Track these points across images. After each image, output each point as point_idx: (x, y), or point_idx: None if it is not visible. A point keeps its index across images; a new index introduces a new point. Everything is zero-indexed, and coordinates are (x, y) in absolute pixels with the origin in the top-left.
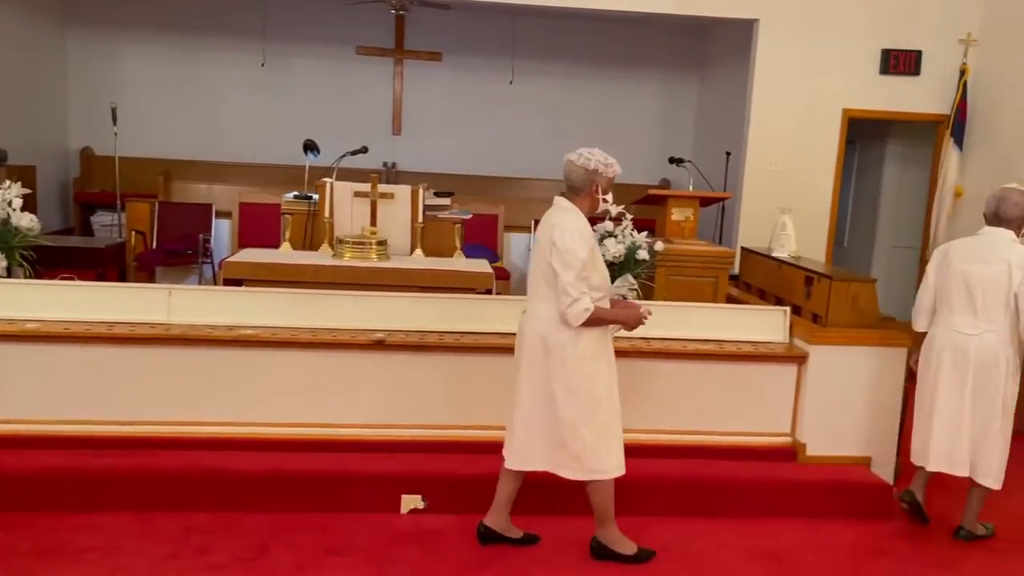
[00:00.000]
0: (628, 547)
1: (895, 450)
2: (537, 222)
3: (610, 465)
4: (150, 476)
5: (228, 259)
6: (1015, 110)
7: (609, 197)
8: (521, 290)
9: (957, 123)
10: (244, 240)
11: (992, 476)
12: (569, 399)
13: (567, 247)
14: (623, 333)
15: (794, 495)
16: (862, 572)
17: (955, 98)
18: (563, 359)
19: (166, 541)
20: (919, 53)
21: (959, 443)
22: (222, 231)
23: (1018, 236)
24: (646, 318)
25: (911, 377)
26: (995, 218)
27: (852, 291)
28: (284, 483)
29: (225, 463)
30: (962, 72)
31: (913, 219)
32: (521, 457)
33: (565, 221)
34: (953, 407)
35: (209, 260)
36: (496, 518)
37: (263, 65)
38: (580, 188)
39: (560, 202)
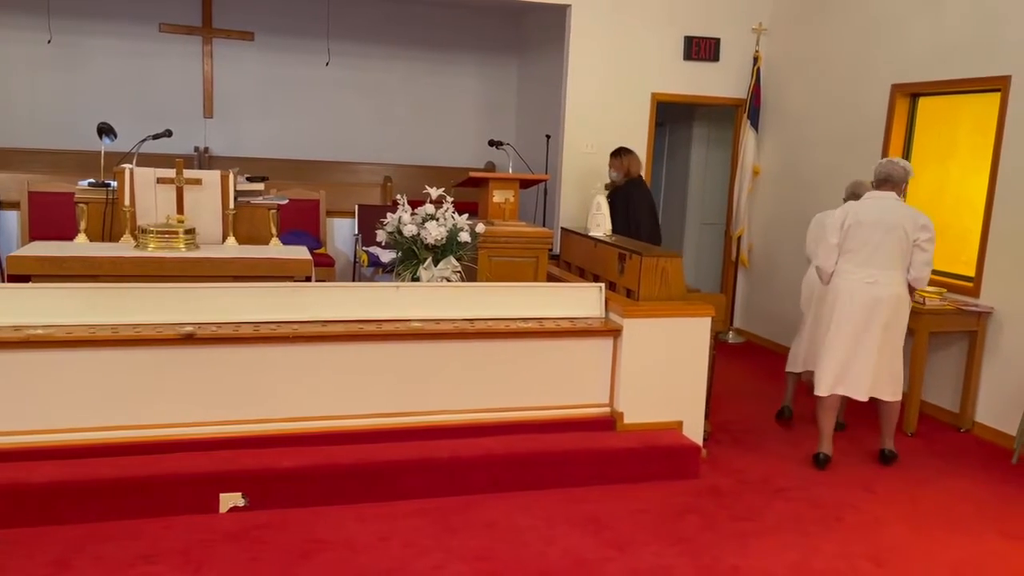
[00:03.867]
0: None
1: (703, 413)
2: (361, 206)
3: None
4: None
5: (13, 254)
6: (800, 94)
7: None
8: (346, 276)
9: (752, 107)
10: (35, 233)
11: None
12: (901, 341)
13: (934, 230)
14: None
15: (613, 462)
16: (675, 528)
17: (750, 83)
18: (905, 312)
19: None
20: (718, 41)
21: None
22: (9, 223)
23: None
24: None
25: (717, 346)
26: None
27: (661, 266)
28: (88, 492)
29: (18, 475)
30: (755, 59)
31: (718, 197)
32: (872, 389)
33: (915, 209)
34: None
35: None
36: (830, 446)
37: (49, 42)
38: (900, 184)
39: (889, 195)
